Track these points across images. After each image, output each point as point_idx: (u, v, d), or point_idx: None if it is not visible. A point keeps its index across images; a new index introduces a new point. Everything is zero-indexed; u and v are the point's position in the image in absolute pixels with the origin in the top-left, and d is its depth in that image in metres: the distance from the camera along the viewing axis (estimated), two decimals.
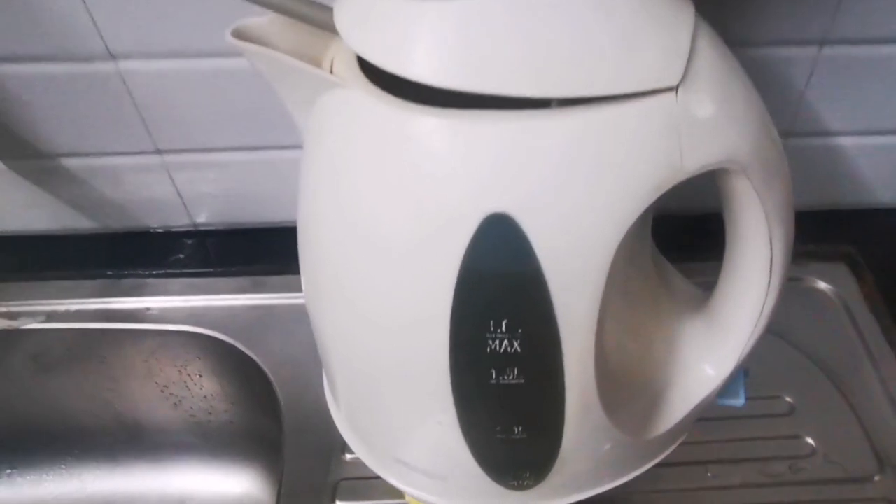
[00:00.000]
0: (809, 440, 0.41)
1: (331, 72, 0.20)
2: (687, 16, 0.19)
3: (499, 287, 0.19)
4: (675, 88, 0.18)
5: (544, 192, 0.18)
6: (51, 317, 0.47)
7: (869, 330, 0.45)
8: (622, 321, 0.24)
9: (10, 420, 0.53)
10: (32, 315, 0.47)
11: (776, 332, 0.46)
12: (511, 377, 0.21)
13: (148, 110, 0.43)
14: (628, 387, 0.25)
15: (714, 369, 0.27)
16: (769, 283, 0.24)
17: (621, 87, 0.18)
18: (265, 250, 0.50)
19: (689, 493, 0.39)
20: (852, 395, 0.42)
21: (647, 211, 0.19)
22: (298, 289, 0.48)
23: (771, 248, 0.22)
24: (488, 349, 0.20)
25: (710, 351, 0.27)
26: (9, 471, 0.56)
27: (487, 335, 0.20)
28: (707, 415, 0.41)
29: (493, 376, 0.20)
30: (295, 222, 0.51)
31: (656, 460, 0.29)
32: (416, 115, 0.18)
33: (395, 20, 0.18)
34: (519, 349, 0.20)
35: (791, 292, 0.48)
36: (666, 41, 0.18)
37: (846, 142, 0.46)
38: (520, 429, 0.22)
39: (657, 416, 0.27)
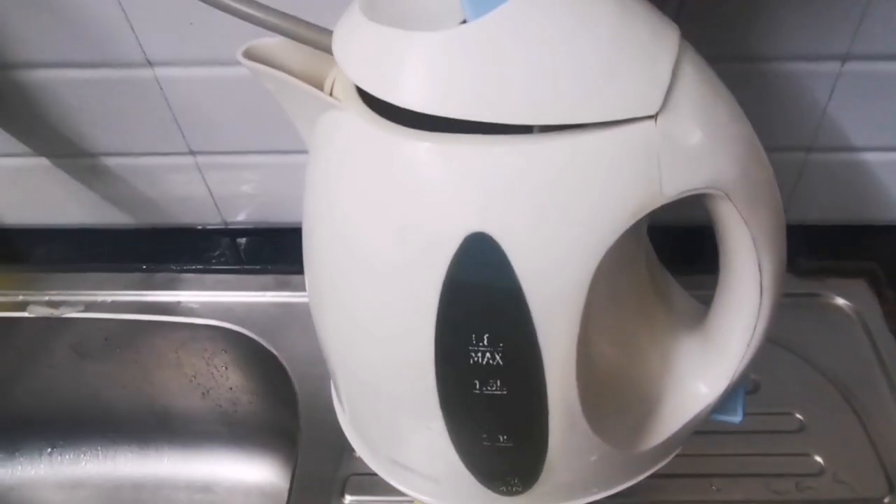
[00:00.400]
0: (818, 458, 0.40)
1: (331, 94, 0.22)
2: (670, 42, 0.20)
3: (480, 303, 0.20)
4: (654, 117, 0.19)
5: (524, 213, 0.19)
6: (89, 307, 0.50)
7: (887, 349, 0.44)
8: (611, 335, 0.25)
9: (51, 403, 0.57)
10: (72, 305, 0.50)
11: (790, 347, 0.46)
12: (494, 388, 0.22)
13: (182, 114, 0.45)
14: (617, 400, 0.26)
15: (707, 387, 0.27)
16: (759, 305, 0.24)
17: (601, 115, 0.18)
18: (289, 250, 0.52)
19: None
20: (866, 416, 0.42)
21: (630, 232, 0.20)
22: None
23: (760, 273, 0.23)
24: (471, 361, 0.21)
25: (704, 368, 0.27)
26: (49, 450, 0.60)
27: (470, 348, 0.21)
28: (714, 429, 0.42)
29: (477, 386, 0.22)
30: None
31: (647, 473, 0.29)
32: (405, 138, 0.19)
33: (387, 50, 0.19)
34: (501, 362, 0.21)
35: (809, 308, 0.48)
36: (647, 69, 0.19)
37: (868, 157, 0.45)
38: (504, 437, 0.23)
39: (647, 430, 0.27)
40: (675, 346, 0.28)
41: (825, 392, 0.43)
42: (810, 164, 0.46)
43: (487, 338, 0.20)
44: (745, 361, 0.26)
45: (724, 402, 0.30)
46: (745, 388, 0.31)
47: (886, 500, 0.38)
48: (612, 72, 0.19)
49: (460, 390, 0.22)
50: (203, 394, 0.55)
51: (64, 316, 0.50)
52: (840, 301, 0.48)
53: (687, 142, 0.19)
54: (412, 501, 0.39)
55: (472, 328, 0.20)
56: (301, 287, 0.51)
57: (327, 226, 0.22)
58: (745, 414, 0.31)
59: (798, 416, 0.42)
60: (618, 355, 0.25)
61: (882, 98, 0.42)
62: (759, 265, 0.23)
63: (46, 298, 0.50)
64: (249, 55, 0.22)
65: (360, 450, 0.30)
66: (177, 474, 0.59)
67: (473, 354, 0.21)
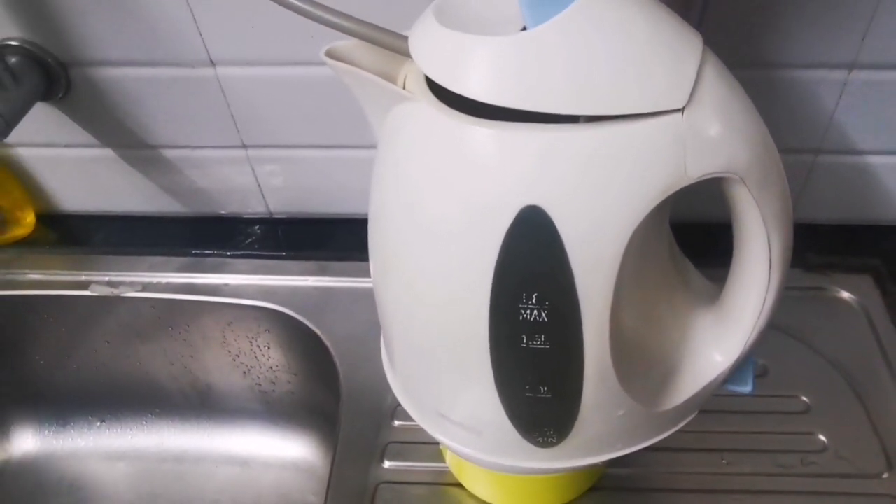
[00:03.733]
0: (822, 437, 0.44)
1: (403, 87, 0.25)
2: (695, 47, 0.23)
3: (530, 266, 0.24)
4: (681, 110, 0.22)
5: (570, 189, 0.23)
6: (146, 287, 0.54)
7: (889, 339, 0.48)
8: (637, 306, 0.28)
9: (103, 378, 0.61)
10: (130, 285, 0.54)
11: (798, 336, 0.49)
12: (538, 342, 0.25)
13: (238, 110, 0.50)
14: (642, 362, 0.29)
15: (722, 356, 0.31)
16: (769, 280, 0.27)
17: (636, 107, 0.22)
18: (330, 238, 0.56)
19: (705, 476, 0.42)
20: (867, 399, 0.45)
21: (658, 209, 0.23)
22: (359, 274, 0.54)
23: (770, 249, 0.26)
24: (520, 318, 0.24)
25: (718, 340, 0.31)
26: (98, 423, 0.64)
27: (520, 306, 0.24)
28: (725, 408, 0.45)
29: (524, 341, 0.25)
30: (357, 214, 0.57)
31: (667, 433, 0.32)
32: (471, 125, 0.23)
33: (458, 51, 0.23)
34: (546, 319, 0.24)
35: (815, 300, 0.52)
36: (675, 69, 0.23)
37: (874, 160, 0.48)
38: (545, 388, 0.27)
39: (668, 392, 0.31)
40: (692, 319, 0.31)
41: (830, 377, 0.47)
42: (818, 166, 0.49)
43: (535, 297, 0.24)
44: (756, 332, 0.30)
45: (736, 373, 0.34)
46: (754, 361, 0.34)
47: (885, 475, 0.42)
48: (646, 71, 0.22)
49: (509, 345, 0.25)
50: (244, 373, 0.59)
51: (123, 295, 0.54)
52: (845, 295, 0.51)
53: (708, 132, 0.23)
54: (444, 467, 0.43)
55: (523, 288, 0.24)
56: (342, 273, 0.55)
57: (396, 203, 0.26)
58: (755, 385, 0.34)
59: (804, 398, 0.46)
60: (643, 324, 0.29)
61: (886, 104, 0.45)
62: (769, 242, 0.26)
63: (107, 279, 0.54)
64: (331, 55, 0.26)
65: (408, 406, 0.33)
66: (216, 449, 0.63)
67: (522, 312, 0.24)
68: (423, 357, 0.29)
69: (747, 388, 0.34)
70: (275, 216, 0.58)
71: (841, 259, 0.52)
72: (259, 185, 0.55)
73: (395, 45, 0.26)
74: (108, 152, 0.53)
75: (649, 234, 0.26)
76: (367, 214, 0.56)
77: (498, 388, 0.27)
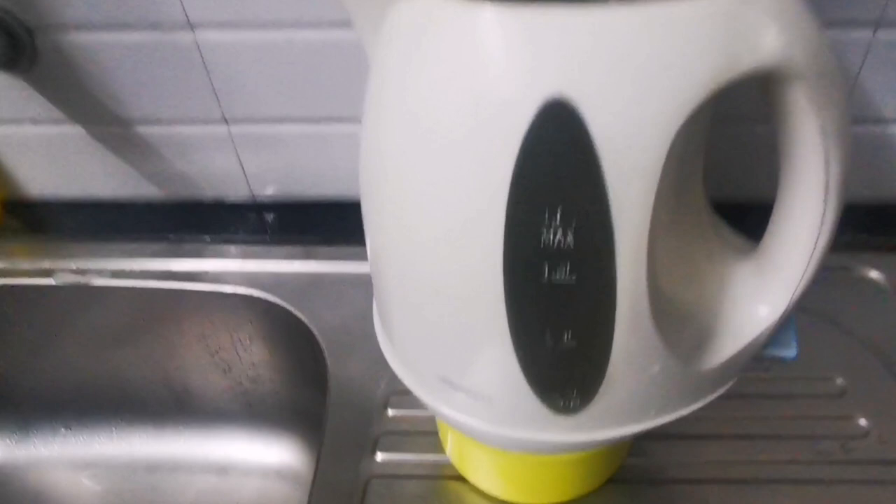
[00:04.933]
0: (862, 421, 0.40)
1: None
2: None
3: (555, 175, 0.20)
4: None
5: (603, 79, 0.19)
6: (116, 274, 0.50)
7: None
8: (673, 245, 0.24)
9: (71, 380, 0.56)
10: (99, 272, 0.49)
11: (827, 317, 0.46)
12: (563, 275, 0.21)
13: (219, 80, 0.46)
14: (679, 311, 0.25)
15: (767, 309, 0.27)
16: (824, 211, 0.24)
17: None
18: (317, 223, 0.52)
19: (736, 465, 0.38)
20: None
21: (700, 113, 0.20)
22: (348, 258, 0.50)
23: (827, 170, 0.23)
24: (542, 243, 0.21)
25: (761, 291, 0.27)
26: (64, 430, 0.59)
27: (542, 227, 0.20)
28: (755, 392, 0.41)
29: (546, 274, 0.21)
30: (346, 198, 0.53)
31: (703, 402, 0.28)
32: (483, 8, 0.19)
33: None
34: (572, 243, 0.21)
35: (842, 280, 0.48)
36: None
37: None
38: (569, 334, 0.23)
39: (708, 350, 0.27)
40: (731, 270, 0.28)
41: (864, 359, 0.43)
42: None
43: (560, 214, 0.20)
44: (807, 279, 0.26)
45: (777, 336, 0.30)
46: (796, 323, 0.31)
47: None
48: None
49: (528, 279, 0.21)
50: (224, 371, 0.55)
51: (90, 284, 0.49)
52: (874, 274, 0.48)
53: (763, 16, 0.19)
54: (444, 459, 0.38)
55: (546, 203, 0.20)
56: (330, 257, 0.51)
57: (397, 111, 0.22)
58: (799, 349, 0.30)
59: (839, 381, 0.42)
60: (679, 264, 0.25)
61: None
62: (827, 161, 0.23)
63: (74, 266, 0.50)
64: None
65: (406, 376, 0.29)
66: (192, 457, 0.58)
67: (545, 234, 0.20)
68: (425, 307, 0.25)
69: (792, 353, 0.30)
70: (259, 201, 0.54)
71: (867, 238, 0.49)
72: (242, 166, 0.51)
73: None
74: (79, 129, 0.49)
75: (688, 151, 0.23)
76: (357, 197, 0.52)
77: (513, 337, 0.23)
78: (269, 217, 0.53)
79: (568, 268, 0.21)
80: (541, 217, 0.20)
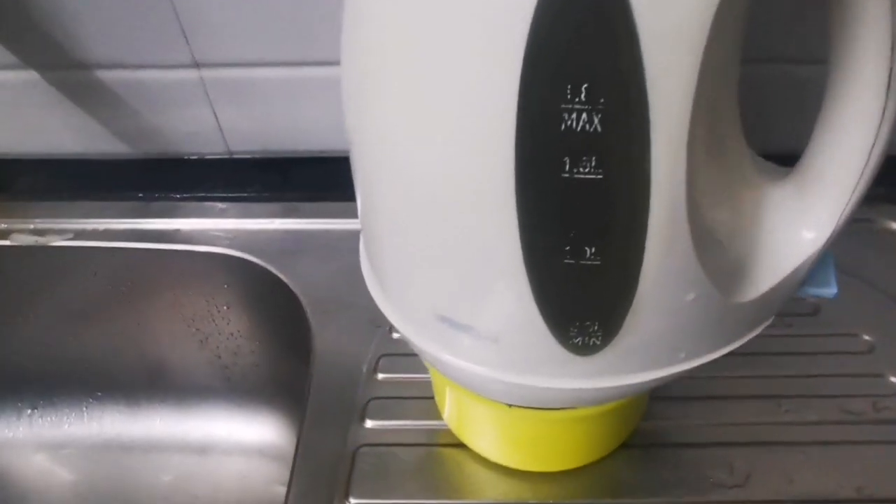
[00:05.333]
0: (893, 379, 0.36)
1: None
2: None
3: (580, 41, 0.16)
4: None
5: None
6: (78, 235, 0.45)
7: None
8: (709, 159, 0.21)
9: (34, 356, 0.52)
10: (60, 233, 0.45)
11: (848, 271, 0.42)
12: (588, 169, 0.17)
13: (188, 18, 0.42)
14: (715, 236, 0.22)
15: (812, 232, 0.23)
16: (885, 105, 0.20)
17: None
18: (299, 179, 0.48)
19: (760, 427, 0.35)
20: None
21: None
22: (332, 215, 0.46)
23: (893, 51, 0.19)
24: (563, 126, 0.17)
25: (805, 213, 0.24)
26: (29, 411, 0.54)
27: (563, 106, 0.17)
28: (778, 350, 0.38)
29: (567, 167, 0.17)
30: (329, 152, 0.49)
31: (736, 343, 0.25)
32: None
33: None
34: (599, 128, 0.17)
35: (864, 233, 0.45)
36: None
37: None
38: (593, 250, 0.19)
39: (747, 280, 0.23)
40: (770, 195, 0.24)
41: (891, 313, 0.40)
42: None
43: (586, 90, 0.16)
44: (860, 190, 0.22)
45: (816, 274, 0.27)
46: (835, 260, 0.27)
47: None
48: None
49: (545, 173, 0.18)
50: (201, 342, 0.51)
51: (51, 245, 0.45)
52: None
53: None
54: (441, 425, 0.34)
55: (569, 77, 0.16)
56: (313, 214, 0.47)
57: None
58: (839, 287, 0.27)
59: (866, 337, 0.39)
60: (715, 187, 0.21)
61: None
62: (893, 39, 0.19)
63: (32, 226, 0.46)
64: None
65: (398, 320, 0.25)
66: (169, 437, 0.54)
67: (567, 116, 0.17)
68: (422, 226, 0.21)
69: (832, 290, 0.27)
70: (235, 156, 0.50)
71: (890, 189, 0.46)
72: (216, 118, 0.47)
73: None
74: (33, 75, 0.45)
75: (726, 45, 0.19)
76: (339, 152, 0.48)
77: (525, 253, 0.19)
78: (247, 173, 0.49)
79: (594, 161, 0.17)
80: (562, 95, 0.16)
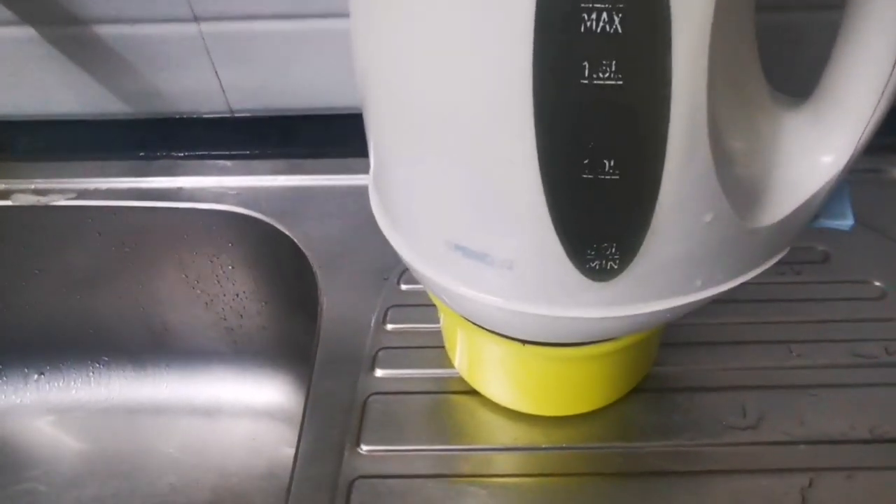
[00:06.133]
0: None
1: None
2: None
3: None
4: None
5: None
6: (81, 195, 0.45)
7: None
8: (726, 76, 0.20)
9: (40, 321, 0.52)
10: (62, 192, 0.45)
11: (860, 220, 0.41)
12: (608, 74, 0.17)
13: None
14: (734, 158, 0.21)
15: (830, 156, 0.23)
16: None
17: None
18: (302, 135, 0.48)
19: (771, 371, 0.35)
20: None
21: None
22: (337, 171, 0.46)
23: None
24: (582, 27, 0.16)
25: (823, 137, 0.23)
26: (36, 376, 0.54)
27: (582, 8, 0.16)
28: (788, 296, 0.38)
29: (586, 73, 0.17)
30: (332, 109, 0.48)
31: (753, 273, 0.25)
32: None
33: None
34: (620, 29, 0.16)
35: (872, 183, 0.44)
36: None
37: None
38: (612, 163, 0.19)
39: (765, 206, 0.23)
40: (787, 121, 0.23)
41: None
42: None
43: None
44: (879, 113, 0.22)
45: (832, 206, 0.26)
46: (849, 189, 0.27)
47: None
48: None
49: (563, 81, 0.17)
50: (206, 304, 0.50)
51: (52, 204, 0.45)
52: None
53: None
54: (452, 373, 0.34)
55: None
56: (317, 170, 0.47)
57: None
58: (856, 218, 0.27)
59: (877, 283, 0.38)
60: (733, 108, 0.21)
61: None
62: None
63: (33, 186, 0.45)
64: None
65: (408, 251, 0.25)
66: (176, 399, 0.54)
67: (587, 17, 0.16)
68: (433, 143, 0.21)
69: (848, 222, 0.27)
70: (237, 115, 0.49)
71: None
72: (217, 74, 0.46)
73: None
74: (30, 32, 0.44)
75: None
76: (343, 109, 0.47)
77: (542, 168, 0.19)
78: (249, 130, 0.49)
79: (613, 66, 0.17)
80: None
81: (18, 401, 0.54)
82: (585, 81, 0.17)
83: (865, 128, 0.23)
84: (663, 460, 0.32)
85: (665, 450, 0.32)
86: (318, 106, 0.48)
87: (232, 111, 0.49)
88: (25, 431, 0.54)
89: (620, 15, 0.16)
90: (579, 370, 0.30)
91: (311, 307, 0.41)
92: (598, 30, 0.16)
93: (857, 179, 0.45)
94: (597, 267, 0.21)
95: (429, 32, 0.18)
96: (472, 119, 0.19)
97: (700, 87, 0.18)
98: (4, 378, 0.54)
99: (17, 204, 0.44)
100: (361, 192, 0.44)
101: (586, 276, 0.22)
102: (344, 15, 0.44)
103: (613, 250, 0.21)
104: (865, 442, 0.32)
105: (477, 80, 0.18)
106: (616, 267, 0.21)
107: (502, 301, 0.23)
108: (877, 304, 0.37)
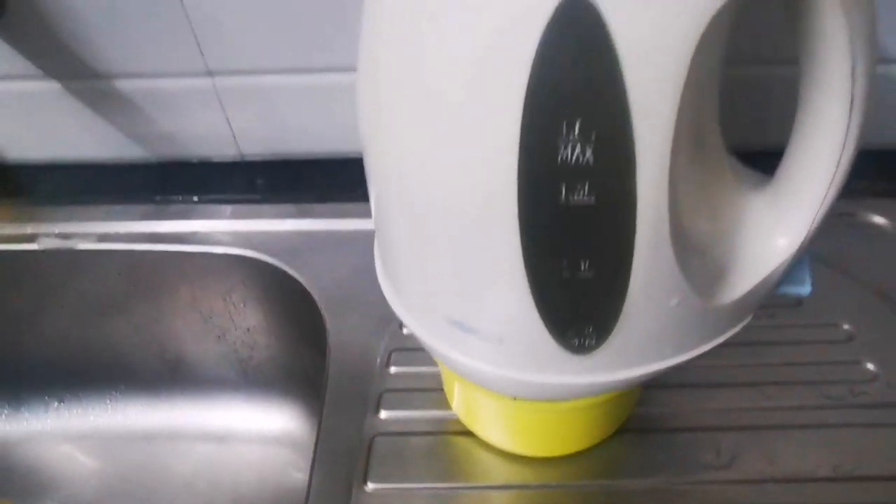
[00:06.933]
0: (870, 366, 0.39)
1: None
2: None
3: (573, 83, 0.18)
4: None
5: None
6: (102, 238, 0.48)
7: None
8: (691, 174, 0.23)
9: (61, 352, 0.54)
10: (84, 236, 0.48)
11: (831, 263, 0.45)
12: (582, 195, 0.20)
13: (202, 28, 0.44)
14: (696, 244, 0.24)
15: (785, 238, 0.26)
16: (848, 126, 0.23)
17: None
18: (310, 180, 0.50)
19: (744, 412, 0.37)
20: None
21: (725, 14, 0.18)
22: (344, 215, 0.49)
23: (853, 80, 0.21)
24: (559, 158, 0.19)
25: (779, 221, 0.26)
26: (56, 403, 0.57)
27: (559, 140, 0.19)
28: (762, 339, 0.40)
29: (563, 194, 0.20)
30: (339, 154, 0.51)
31: (718, 340, 0.28)
32: None
33: None
34: (591, 160, 0.19)
35: (845, 226, 0.47)
36: None
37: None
38: (587, 263, 0.21)
39: (726, 284, 0.26)
40: (747, 203, 0.26)
41: (871, 304, 0.42)
42: None
43: (579, 126, 0.19)
44: (829, 202, 0.25)
45: (792, 273, 0.29)
46: (810, 259, 0.30)
47: None
48: None
49: (544, 199, 0.20)
50: (219, 337, 0.53)
51: (76, 248, 0.47)
52: (878, 219, 0.47)
53: None
54: (450, 415, 0.37)
55: (563, 115, 0.19)
56: (325, 214, 0.50)
57: (401, 25, 0.20)
58: (813, 285, 0.29)
59: (846, 326, 0.41)
60: (697, 191, 0.24)
61: None
62: (853, 69, 0.21)
63: (57, 230, 0.48)
64: None
65: (411, 321, 0.28)
66: (190, 426, 0.56)
67: (563, 149, 0.19)
68: (433, 238, 0.24)
69: (806, 289, 0.29)
70: (247, 159, 0.52)
71: (870, 183, 0.48)
72: (229, 122, 0.49)
73: None
74: (54, 85, 0.47)
75: (707, 69, 0.21)
76: (350, 154, 0.50)
77: (527, 267, 0.22)
78: (259, 175, 0.52)
79: (587, 187, 0.20)
80: (558, 130, 0.19)
81: (39, 427, 0.57)
82: (563, 201, 0.20)
83: (816, 214, 0.25)
84: (645, 498, 0.34)
85: (646, 487, 0.35)
86: (324, 150, 0.51)
87: (242, 155, 0.52)
88: (46, 457, 0.57)
89: (591, 148, 0.19)
90: (566, 419, 0.33)
91: (317, 341, 0.44)
92: (573, 160, 0.19)
93: (832, 223, 0.49)
94: (577, 344, 0.24)
95: (430, 152, 0.21)
96: (467, 225, 0.22)
97: (662, 201, 0.21)
98: (26, 406, 0.57)
99: (43, 248, 0.47)
100: (365, 236, 0.47)
101: (567, 350, 0.25)
102: (346, 69, 0.46)
103: (591, 330, 0.24)
104: (829, 480, 0.35)
105: (471, 194, 0.21)
106: (594, 343, 0.24)
107: (493, 368, 0.26)
108: (844, 347, 0.40)
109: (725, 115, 0.25)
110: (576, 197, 0.20)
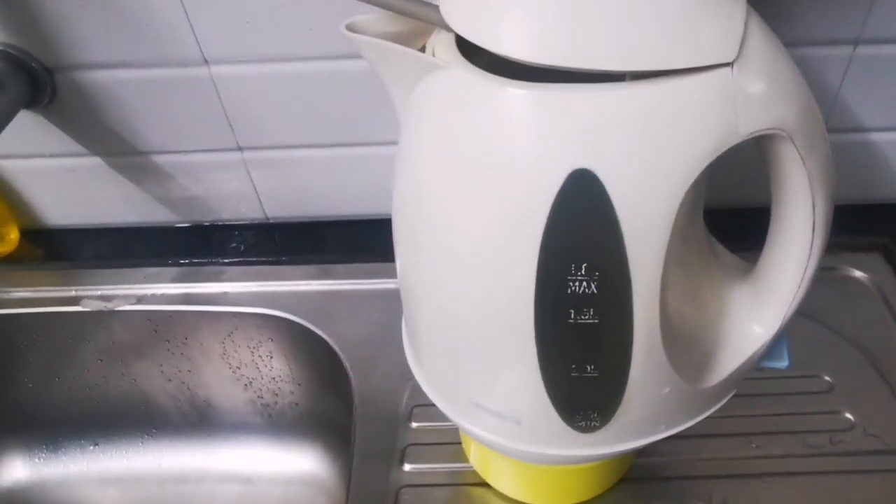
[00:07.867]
0: (848, 415, 0.43)
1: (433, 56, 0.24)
2: (739, 2, 0.23)
3: (580, 234, 0.22)
4: (731, 64, 0.22)
5: (621, 151, 0.21)
6: (140, 300, 0.52)
7: None
8: (682, 278, 0.27)
9: (97, 399, 0.58)
10: (124, 298, 0.52)
11: (813, 317, 0.49)
12: (587, 317, 0.24)
13: (233, 111, 0.48)
14: (686, 338, 0.28)
15: (761, 328, 0.30)
16: (811, 246, 0.27)
17: (685, 62, 0.21)
18: (331, 241, 0.54)
19: (735, 461, 0.41)
20: (889, 375, 0.44)
21: (704, 174, 0.23)
22: (364, 276, 0.53)
23: (814, 210, 0.26)
24: (569, 290, 0.23)
25: (756, 311, 0.30)
26: (92, 446, 0.61)
27: (568, 277, 0.23)
28: (750, 391, 0.44)
29: (572, 315, 0.24)
30: (358, 216, 0.55)
31: (707, 413, 0.31)
32: (511, 88, 0.22)
33: (496, 8, 0.22)
34: (595, 291, 0.23)
35: (827, 281, 0.51)
36: (723, 23, 0.22)
37: (880, 137, 0.48)
38: (592, 367, 0.25)
39: (710, 369, 0.30)
40: (729, 294, 0.30)
41: (850, 356, 0.46)
42: None
43: (585, 267, 0.23)
44: (797, 301, 0.29)
45: (771, 349, 0.33)
46: (788, 336, 0.34)
47: None
48: (694, 24, 0.21)
49: (556, 320, 0.24)
50: (246, 385, 0.57)
51: (117, 309, 0.51)
52: (857, 273, 0.51)
53: (758, 87, 0.22)
54: (468, 467, 0.41)
55: (572, 259, 0.23)
56: (346, 275, 0.54)
57: (430, 178, 0.25)
58: (791, 360, 0.33)
59: (826, 377, 0.45)
60: (686, 298, 0.28)
61: (892, 80, 0.45)
62: (813, 202, 0.25)
63: (99, 293, 0.52)
64: (352, 29, 0.25)
65: (439, 400, 0.32)
66: (217, 467, 0.60)
67: (571, 284, 0.23)
68: (459, 342, 0.28)
69: (784, 364, 0.33)
70: (271, 221, 0.56)
71: (850, 238, 0.52)
72: (255, 189, 0.53)
73: (425, 15, 0.25)
74: (96, 161, 0.51)
75: (693, 201, 0.25)
76: (367, 215, 0.54)
77: (541, 370, 0.26)
78: (283, 236, 0.56)
79: (591, 311, 0.24)
80: (567, 270, 0.23)
81: (76, 469, 0.61)
82: (572, 321, 0.24)
83: (788, 309, 0.29)
84: None
85: None
86: (346, 213, 0.55)
87: (267, 218, 0.56)
88: (82, 497, 0.60)
89: (595, 283, 0.23)
90: (574, 475, 0.37)
91: (338, 388, 0.48)
92: (580, 291, 0.23)
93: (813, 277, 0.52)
94: (583, 425, 0.28)
95: (463, 288, 0.25)
96: (492, 336, 0.26)
97: (654, 317, 0.25)
98: (63, 449, 0.61)
99: (86, 309, 0.51)
100: (387, 295, 0.51)
101: (575, 430, 0.28)
102: (361, 144, 0.50)
103: (595, 415, 0.28)
104: None
105: (496, 316, 0.25)
106: (598, 425, 0.28)
107: (511, 442, 0.30)
108: (825, 398, 0.44)
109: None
110: (582, 318, 0.24)
